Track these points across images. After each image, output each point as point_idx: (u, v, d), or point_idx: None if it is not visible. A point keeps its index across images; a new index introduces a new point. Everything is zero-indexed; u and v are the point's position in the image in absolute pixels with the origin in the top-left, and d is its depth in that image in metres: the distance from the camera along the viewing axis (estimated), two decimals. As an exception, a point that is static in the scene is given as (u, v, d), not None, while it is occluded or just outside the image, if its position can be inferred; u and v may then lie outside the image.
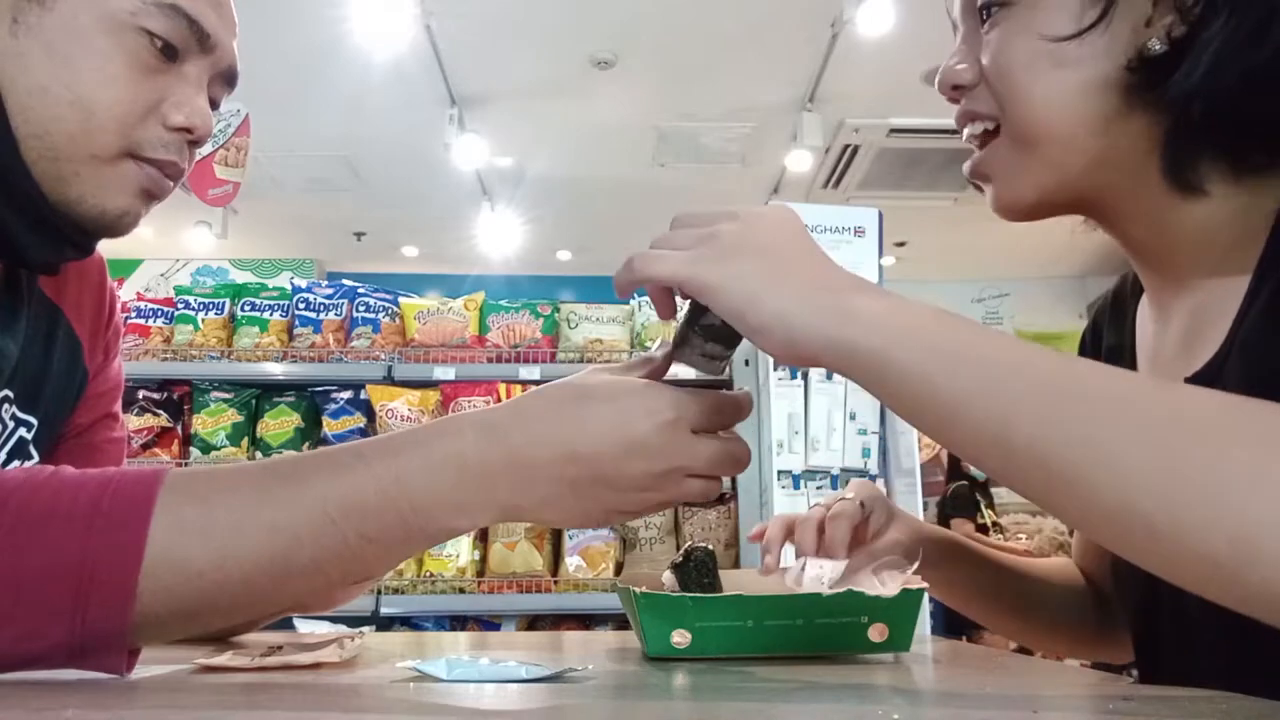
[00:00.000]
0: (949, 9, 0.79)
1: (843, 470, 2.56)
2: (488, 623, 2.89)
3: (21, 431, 0.84)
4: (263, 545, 0.54)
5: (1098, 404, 0.48)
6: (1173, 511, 0.45)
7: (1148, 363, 0.79)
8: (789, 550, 0.89)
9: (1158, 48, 0.64)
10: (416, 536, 0.58)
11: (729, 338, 0.63)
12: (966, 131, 0.75)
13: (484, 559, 2.83)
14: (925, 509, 4.12)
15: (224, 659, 0.64)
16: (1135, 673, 0.81)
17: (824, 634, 0.71)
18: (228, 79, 0.81)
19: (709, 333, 0.63)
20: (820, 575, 0.80)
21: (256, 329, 2.97)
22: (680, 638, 0.69)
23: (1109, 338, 0.87)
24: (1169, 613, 0.71)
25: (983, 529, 4.98)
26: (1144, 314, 0.81)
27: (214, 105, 0.81)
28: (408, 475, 0.57)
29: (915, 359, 0.52)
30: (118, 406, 0.98)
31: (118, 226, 0.77)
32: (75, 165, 0.72)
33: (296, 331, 2.97)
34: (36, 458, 0.86)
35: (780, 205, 0.65)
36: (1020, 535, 5.19)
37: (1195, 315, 0.72)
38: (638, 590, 0.70)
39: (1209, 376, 0.67)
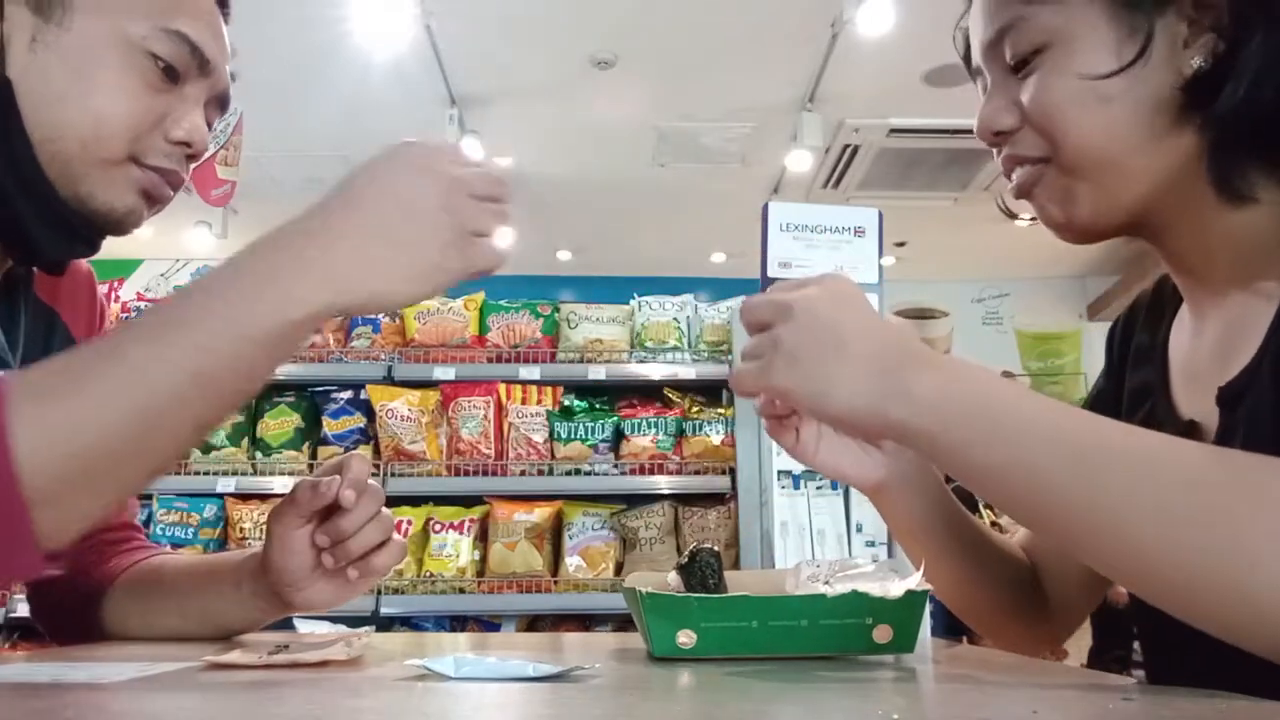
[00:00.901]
0: (972, 57, 0.79)
1: (843, 470, 2.56)
2: (488, 623, 2.89)
3: None
4: (120, 369, 0.60)
5: (1125, 468, 0.54)
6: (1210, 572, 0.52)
7: (1180, 370, 0.80)
8: (783, 551, 0.90)
9: (1201, 66, 0.65)
10: (252, 330, 0.62)
11: None
12: (1016, 174, 0.76)
13: (484, 559, 2.84)
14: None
15: (231, 657, 0.65)
16: (1136, 673, 0.81)
17: (828, 635, 0.71)
18: (221, 101, 0.89)
19: None
20: (816, 573, 0.80)
21: (257, 329, 2.96)
22: (685, 638, 0.70)
23: (1140, 335, 0.87)
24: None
25: (982, 529, 4.98)
26: (1181, 322, 0.82)
27: (208, 125, 0.88)
28: (208, 282, 0.65)
29: (959, 437, 0.60)
30: None
31: (124, 223, 0.83)
32: (85, 167, 0.79)
33: (297, 331, 2.97)
34: None
35: (834, 281, 0.72)
36: (1019, 532, 5.19)
37: (1230, 325, 0.72)
38: (643, 591, 0.70)
39: (1241, 386, 0.68)
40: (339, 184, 0.71)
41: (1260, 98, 0.63)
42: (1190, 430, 0.75)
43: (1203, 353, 0.76)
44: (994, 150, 0.78)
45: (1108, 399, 0.89)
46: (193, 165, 0.87)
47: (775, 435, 0.80)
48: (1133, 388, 0.86)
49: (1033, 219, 0.80)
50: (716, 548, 0.80)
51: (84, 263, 0.99)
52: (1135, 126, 0.68)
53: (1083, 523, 0.56)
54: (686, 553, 0.80)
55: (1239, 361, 0.69)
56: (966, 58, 0.82)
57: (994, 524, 5.04)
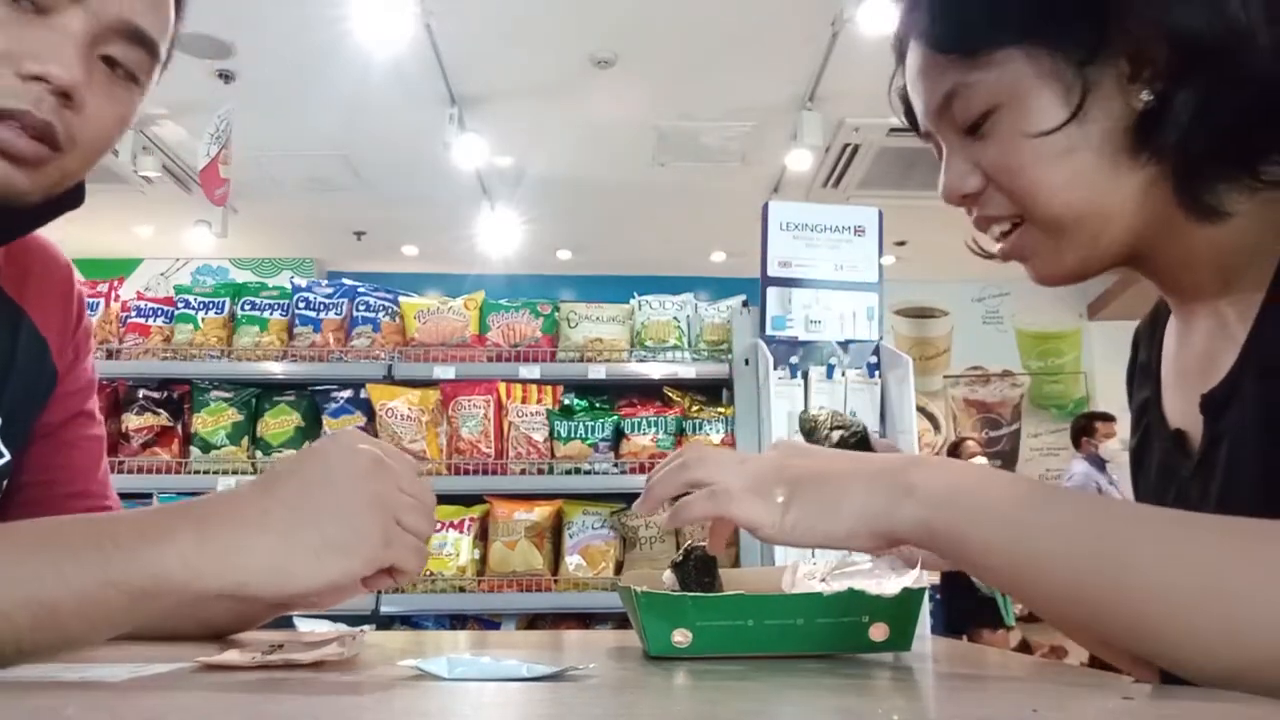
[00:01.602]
0: (919, 124, 0.79)
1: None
2: (488, 622, 2.89)
3: None
4: None
5: (1115, 555, 0.56)
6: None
7: (1171, 379, 0.80)
8: (783, 550, 0.90)
9: (1148, 100, 0.65)
10: (117, 576, 0.56)
11: None
12: (993, 231, 0.76)
13: (484, 558, 2.84)
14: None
15: (226, 657, 0.64)
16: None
17: (825, 633, 0.71)
18: (125, 36, 0.73)
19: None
20: (813, 571, 0.80)
21: (256, 328, 2.96)
22: (681, 637, 0.70)
23: (1142, 354, 0.88)
24: None
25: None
26: (1170, 333, 0.82)
27: (114, 64, 0.74)
28: (114, 517, 0.60)
29: (953, 529, 0.62)
30: (92, 404, 0.99)
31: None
32: None
33: (296, 331, 2.97)
34: (7, 456, 0.87)
35: (781, 447, 0.74)
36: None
37: (1213, 333, 0.73)
38: (639, 590, 0.70)
39: (1224, 394, 0.68)
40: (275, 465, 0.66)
41: (1210, 124, 0.64)
42: (1178, 439, 0.75)
43: (1189, 361, 0.76)
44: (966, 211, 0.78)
45: None
46: (66, 107, 0.71)
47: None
48: (1136, 406, 0.87)
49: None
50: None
51: (62, 258, 0.95)
52: (1100, 169, 0.68)
53: (1078, 598, 0.58)
54: (681, 551, 0.79)
55: (1221, 369, 0.69)
56: (909, 117, 0.81)
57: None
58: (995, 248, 0.77)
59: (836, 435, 0.85)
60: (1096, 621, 0.58)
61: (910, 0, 0.76)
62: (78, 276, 0.99)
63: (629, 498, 2.91)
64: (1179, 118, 0.64)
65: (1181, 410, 0.76)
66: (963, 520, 0.61)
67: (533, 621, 2.89)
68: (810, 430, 0.86)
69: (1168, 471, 0.77)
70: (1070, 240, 0.71)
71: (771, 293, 2.70)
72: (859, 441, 0.86)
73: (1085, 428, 5.51)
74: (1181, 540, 0.55)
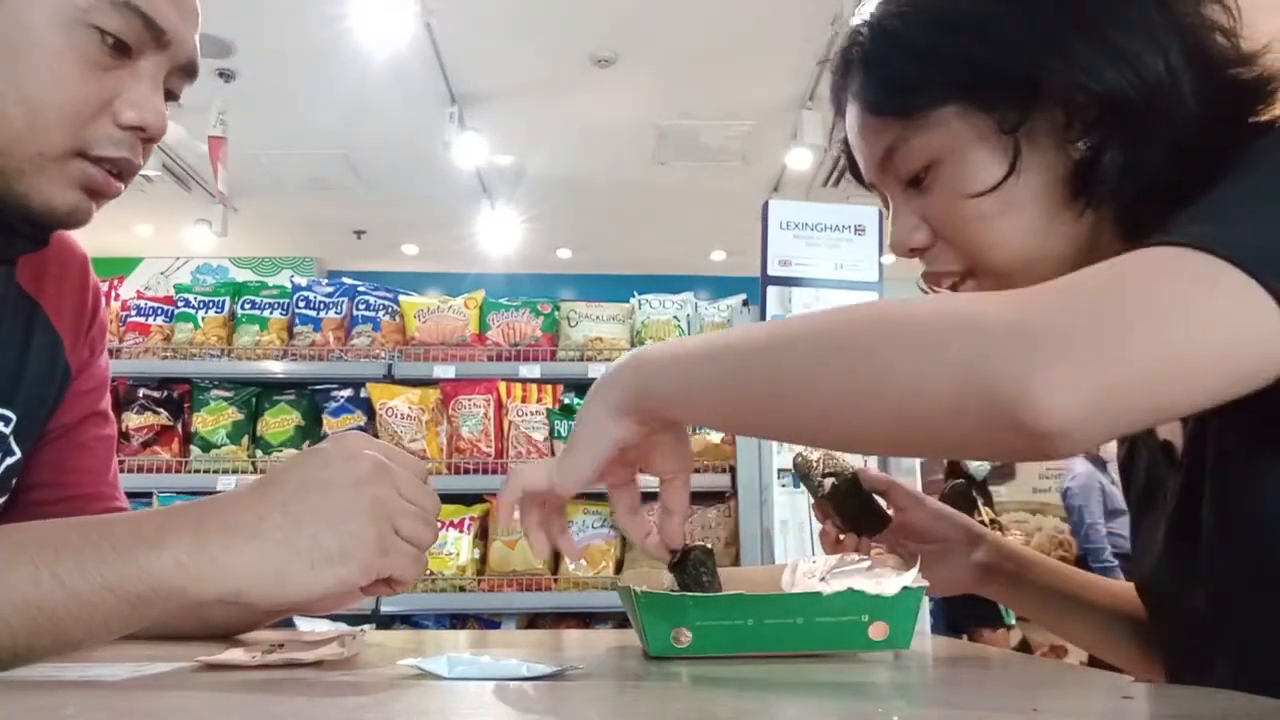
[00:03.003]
0: (862, 176, 0.79)
1: (843, 468, 2.56)
2: (488, 621, 2.89)
3: (0, 426, 0.84)
4: None
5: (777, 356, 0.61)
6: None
7: None
8: (783, 549, 0.91)
9: (1083, 150, 0.66)
10: (114, 581, 0.56)
11: None
12: (943, 284, 0.76)
13: (484, 557, 2.84)
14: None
15: (226, 656, 0.64)
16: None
17: (824, 632, 0.71)
18: (187, 72, 0.79)
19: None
20: (813, 570, 0.80)
21: (257, 327, 2.96)
22: (681, 636, 0.70)
23: None
24: (1187, 614, 0.71)
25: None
26: None
27: (173, 98, 0.80)
28: (111, 519, 0.59)
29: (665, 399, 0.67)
30: (105, 404, 0.98)
31: (68, 222, 0.76)
32: (20, 163, 0.71)
33: (297, 330, 2.97)
34: (18, 454, 0.86)
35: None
36: (1017, 533, 5.19)
37: None
38: (638, 590, 0.70)
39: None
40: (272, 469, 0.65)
41: (1139, 175, 0.65)
42: (1165, 450, 0.76)
43: None
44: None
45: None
46: (153, 149, 0.78)
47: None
48: None
49: None
50: (712, 545, 0.80)
51: (78, 249, 0.93)
52: (1043, 220, 0.69)
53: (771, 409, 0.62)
54: (678, 551, 0.79)
55: None
56: (853, 168, 0.82)
57: (994, 521, 5.04)
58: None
59: (829, 483, 0.86)
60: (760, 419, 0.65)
61: (843, 64, 0.77)
62: (91, 270, 0.97)
63: (629, 497, 2.91)
64: (1108, 170, 0.65)
65: (1169, 424, 0.76)
66: (664, 391, 0.66)
67: (533, 621, 2.89)
68: (805, 474, 0.88)
69: (1154, 481, 0.78)
70: (1020, 286, 0.72)
71: (772, 292, 2.70)
72: (850, 488, 0.87)
73: None
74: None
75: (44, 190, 0.72)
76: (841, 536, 0.88)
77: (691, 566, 0.78)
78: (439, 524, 0.70)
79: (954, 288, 0.75)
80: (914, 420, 0.55)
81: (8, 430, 0.84)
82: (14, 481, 0.87)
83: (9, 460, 0.85)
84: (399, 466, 0.65)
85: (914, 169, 0.72)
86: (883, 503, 0.89)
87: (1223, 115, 0.64)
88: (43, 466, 0.91)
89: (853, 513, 0.87)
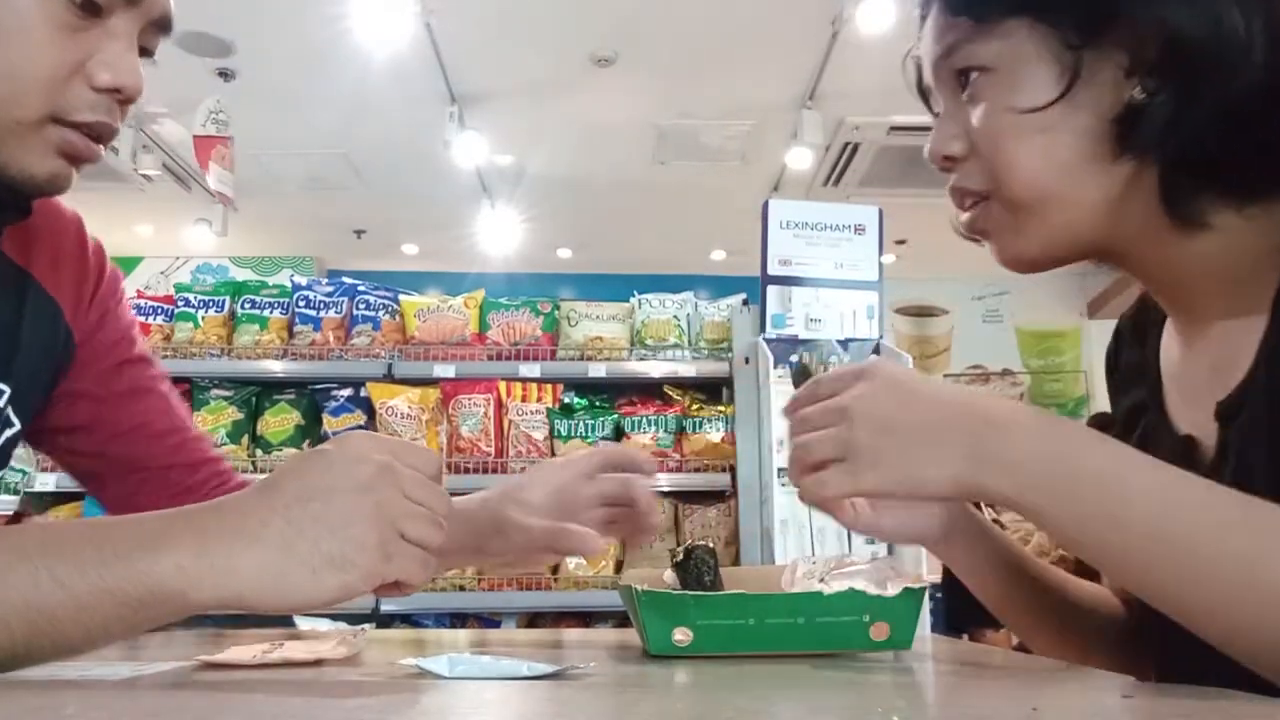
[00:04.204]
0: (922, 78, 0.79)
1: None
2: (488, 620, 2.89)
3: None
4: None
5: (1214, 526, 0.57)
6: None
7: (1175, 385, 0.79)
8: (783, 549, 0.90)
9: (1139, 97, 0.65)
10: (114, 584, 0.56)
11: None
12: (964, 203, 0.76)
13: (484, 557, 2.83)
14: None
15: (226, 656, 0.64)
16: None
17: (825, 632, 0.71)
18: (161, 27, 0.77)
19: None
20: (812, 570, 0.80)
21: (257, 326, 2.96)
22: (682, 635, 0.70)
23: (1128, 354, 0.87)
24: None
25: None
26: (1170, 339, 0.81)
27: (148, 54, 0.78)
28: (110, 520, 0.59)
29: (1043, 501, 0.61)
30: (140, 348, 0.98)
31: (48, 189, 0.74)
32: None
33: (297, 329, 2.97)
34: (18, 425, 0.85)
35: (877, 370, 0.67)
36: (1018, 532, 5.18)
37: (1222, 342, 0.72)
38: (639, 588, 0.70)
39: (1238, 401, 0.67)
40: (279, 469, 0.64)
41: (1185, 130, 0.64)
42: (1188, 445, 0.75)
43: (1197, 369, 0.75)
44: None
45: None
46: (131, 110, 0.76)
47: (830, 511, 0.78)
48: (1127, 407, 0.86)
49: None
50: (714, 545, 0.80)
51: (67, 212, 0.91)
52: (1077, 156, 0.68)
53: (1177, 581, 0.58)
54: (681, 550, 0.79)
55: (1235, 377, 0.68)
56: (919, 84, 0.81)
57: (994, 521, 5.03)
58: (962, 218, 0.77)
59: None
60: (1179, 601, 0.58)
61: None
62: (87, 229, 0.94)
63: (629, 496, 2.91)
64: (1157, 116, 0.65)
65: (1189, 417, 0.76)
66: (1046, 500, 0.61)
67: (533, 620, 2.89)
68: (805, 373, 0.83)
69: None
70: (1030, 223, 0.71)
71: (772, 291, 2.70)
72: None
73: (1099, 429, 5.49)
74: (1268, 530, 0.56)
75: (21, 158, 0.71)
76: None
77: (694, 565, 0.78)
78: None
79: (971, 207, 0.75)
80: None
81: (1, 403, 0.83)
82: (14, 452, 0.87)
83: (8, 431, 0.84)
84: (407, 466, 0.64)
85: (970, 65, 0.71)
86: None
87: None
88: (101, 428, 0.92)
89: None
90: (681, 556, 0.79)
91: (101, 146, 0.74)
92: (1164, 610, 0.60)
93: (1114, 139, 0.67)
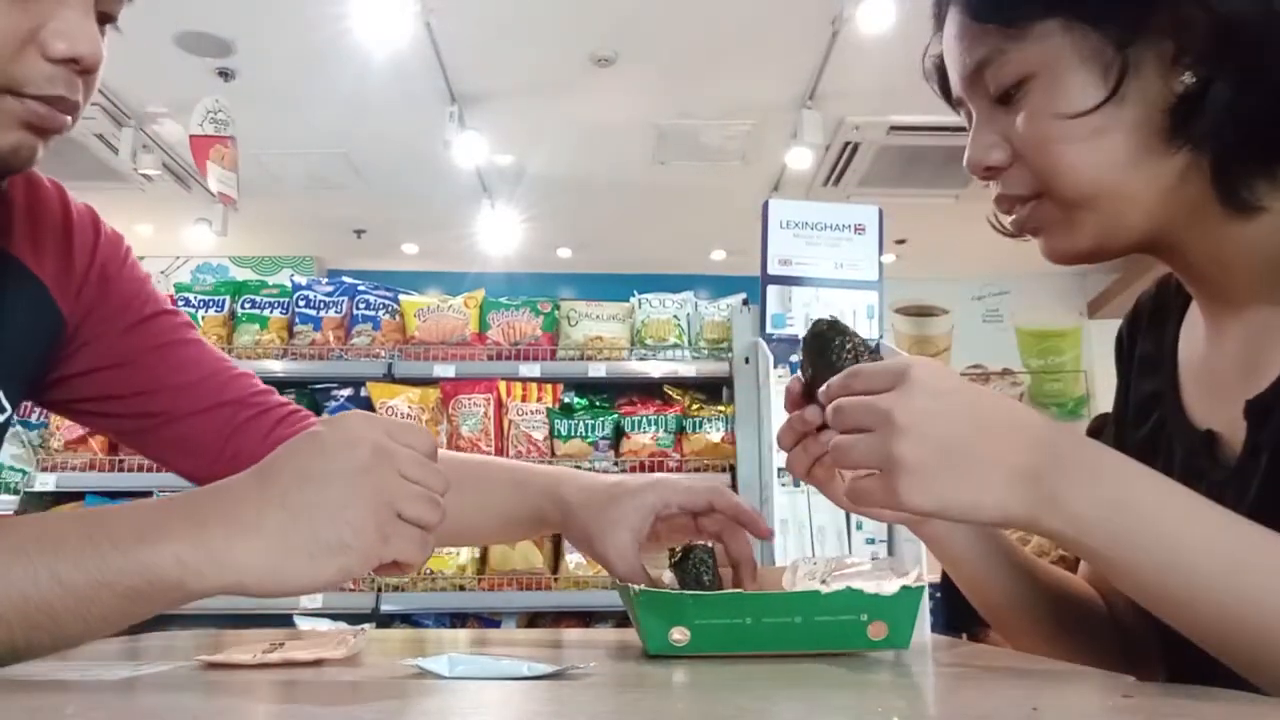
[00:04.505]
0: (952, 92, 0.76)
1: (843, 468, 2.56)
2: (488, 620, 2.89)
3: None
4: None
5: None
6: None
7: (1195, 379, 0.78)
8: (783, 549, 0.90)
9: (1189, 82, 0.63)
10: (112, 577, 0.55)
11: None
12: (1014, 210, 0.74)
13: (484, 556, 2.83)
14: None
15: (226, 656, 0.64)
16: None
17: (823, 631, 0.71)
18: None
19: None
20: (813, 571, 0.80)
21: (257, 326, 2.96)
22: (679, 635, 0.70)
23: (1144, 345, 0.85)
24: None
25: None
26: (1192, 330, 0.79)
27: (109, 20, 0.74)
28: (106, 511, 0.58)
29: (1112, 548, 0.59)
30: (158, 304, 0.95)
31: (13, 162, 0.70)
32: None
33: (297, 329, 2.97)
34: (9, 410, 0.83)
35: (928, 376, 0.62)
36: (1016, 532, 5.18)
37: (1254, 335, 0.70)
38: (635, 588, 0.70)
39: (1272, 400, 0.66)
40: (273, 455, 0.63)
41: (1245, 114, 0.62)
42: (1208, 441, 0.73)
43: (1223, 362, 0.74)
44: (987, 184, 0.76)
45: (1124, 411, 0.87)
46: (95, 81, 0.71)
47: (820, 486, 0.76)
48: (1140, 397, 0.84)
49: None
50: (711, 544, 0.80)
51: (46, 185, 0.88)
52: (1131, 152, 0.66)
53: (1239, 632, 0.56)
54: (680, 549, 0.79)
55: (1267, 373, 0.67)
56: (943, 87, 0.79)
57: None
58: (1009, 220, 0.75)
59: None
60: (1244, 648, 0.57)
61: None
62: (73, 198, 0.91)
63: (629, 496, 2.90)
64: (1214, 105, 0.63)
65: (1212, 412, 0.74)
66: (1108, 546, 0.59)
67: (533, 620, 2.89)
68: (824, 344, 0.74)
69: (1193, 472, 0.74)
70: (1087, 219, 0.69)
71: (772, 291, 2.70)
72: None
73: (1099, 431, 5.49)
74: None
75: None
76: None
77: (692, 565, 0.78)
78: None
79: (1029, 225, 0.73)
80: None
81: None
82: (5, 435, 0.85)
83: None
84: (402, 445, 0.63)
85: (1006, 83, 0.69)
86: None
87: None
88: (132, 391, 0.90)
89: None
90: (680, 556, 0.79)
91: (68, 119, 0.71)
92: (1226, 660, 0.58)
93: (1167, 130, 0.65)
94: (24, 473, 2.83)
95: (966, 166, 0.75)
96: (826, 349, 0.70)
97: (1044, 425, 0.61)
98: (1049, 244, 0.73)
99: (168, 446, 0.95)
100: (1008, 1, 0.68)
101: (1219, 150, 0.65)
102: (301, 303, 2.99)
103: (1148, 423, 0.82)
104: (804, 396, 0.72)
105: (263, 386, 1.00)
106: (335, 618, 1.13)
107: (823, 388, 0.67)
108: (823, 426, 0.69)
